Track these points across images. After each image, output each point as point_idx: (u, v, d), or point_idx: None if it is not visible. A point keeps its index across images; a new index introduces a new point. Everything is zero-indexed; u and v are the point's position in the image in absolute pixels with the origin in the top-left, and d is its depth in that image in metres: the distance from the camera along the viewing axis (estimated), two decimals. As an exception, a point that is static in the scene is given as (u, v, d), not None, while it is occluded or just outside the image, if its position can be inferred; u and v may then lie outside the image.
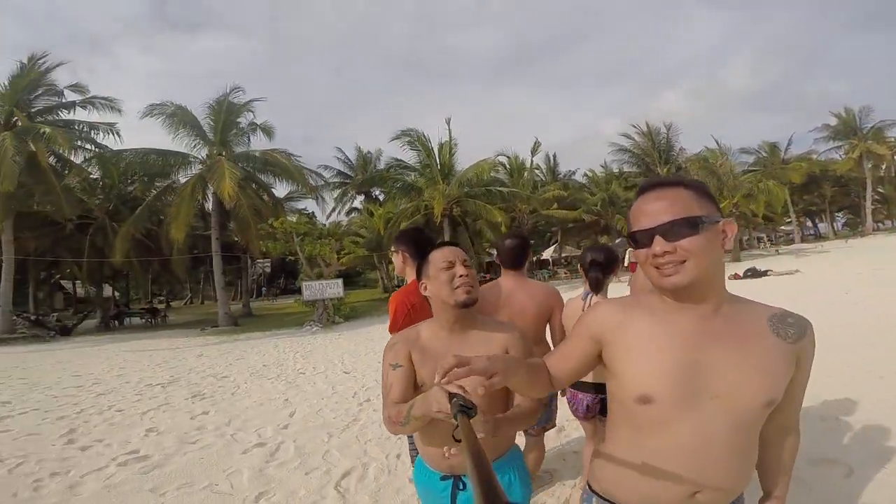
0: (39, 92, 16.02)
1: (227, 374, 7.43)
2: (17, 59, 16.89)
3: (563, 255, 36.97)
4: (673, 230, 0.83)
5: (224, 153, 16.76)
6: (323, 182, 20.89)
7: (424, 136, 20.48)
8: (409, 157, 21.65)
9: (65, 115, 16.51)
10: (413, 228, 2.37)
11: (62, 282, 32.55)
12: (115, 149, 16.45)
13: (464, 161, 25.18)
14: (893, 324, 6.00)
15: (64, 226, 17.45)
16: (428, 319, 1.38)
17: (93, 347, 12.21)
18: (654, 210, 0.86)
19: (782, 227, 44.61)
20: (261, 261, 32.95)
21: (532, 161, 26.82)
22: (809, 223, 53.08)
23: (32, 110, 15.91)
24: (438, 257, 1.33)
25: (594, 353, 0.97)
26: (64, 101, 16.41)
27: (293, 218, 23.67)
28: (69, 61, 16.99)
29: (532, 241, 34.66)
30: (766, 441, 0.96)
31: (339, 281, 14.94)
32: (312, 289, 14.47)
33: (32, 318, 17.57)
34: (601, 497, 1.00)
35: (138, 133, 18.08)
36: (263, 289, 42.30)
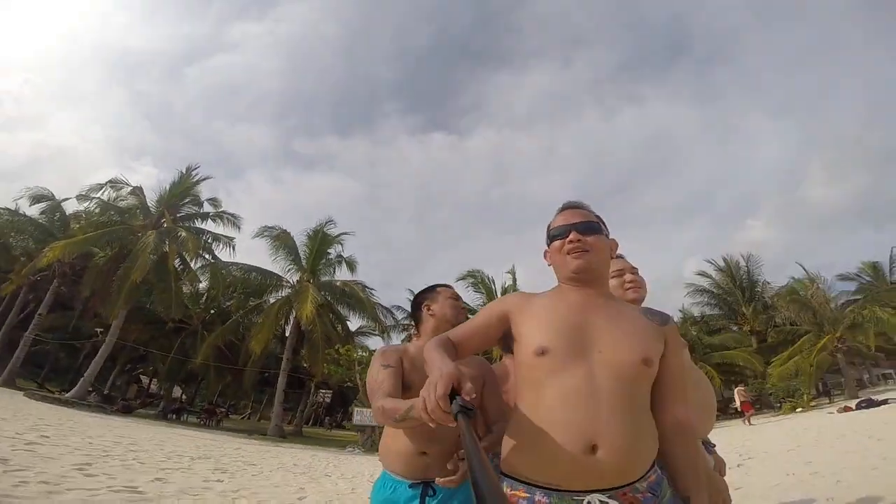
0: (187, 200, 18.87)
1: (256, 464, 7.03)
2: (177, 168, 20.00)
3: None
4: (583, 227, 1.13)
5: (312, 280, 18.22)
6: (393, 322, 21.34)
7: (489, 278, 20.87)
8: (473, 298, 21.84)
9: (198, 223, 19.11)
10: None
11: (141, 376, 34.67)
12: (225, 260, 18.57)
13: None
14: None
15: (165, 324, 19.30)
16: (413, 342, 1.61)
17: (145, 426, 12.26)
18: (571, 216, 1.16)
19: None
20: (323, 391, 32.81)
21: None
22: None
23: (178, 215, 18.63)
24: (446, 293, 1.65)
25: (498, 329, 1.12)
26: (202, 210, 19.14)
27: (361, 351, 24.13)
28: (212, 177, 20.46)
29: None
30: (665, 438, 1.03)
31: None
32: (364, 414, 14.29)
33: (105, 392, 18.51)
34: (509, 477, 1.01)
35: (245, 254, 20.51)
36: (321, 418, 41.16)
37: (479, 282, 21.15)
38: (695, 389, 1.48)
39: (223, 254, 19.06)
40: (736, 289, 26.70)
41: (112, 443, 6.59)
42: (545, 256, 1.20)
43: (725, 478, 1.68)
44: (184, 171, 18.77)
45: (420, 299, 1.63)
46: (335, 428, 36.64)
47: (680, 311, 29.70)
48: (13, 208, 18.44)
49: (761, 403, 24.39)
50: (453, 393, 0.81)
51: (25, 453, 4.25)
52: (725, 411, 25.52)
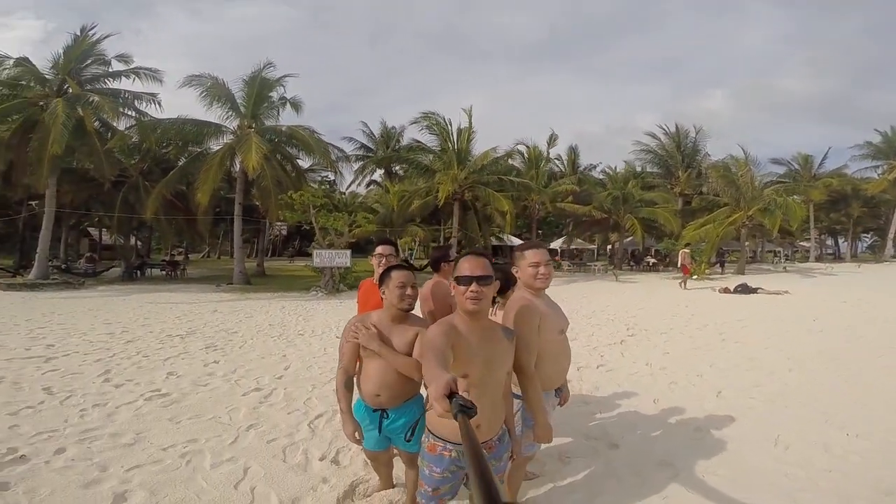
0: (89, 62, 16.95)
1: (237, 331, 8.40)
2: (69, 31, 17.61)
3: (573, 247, 37.36)
4: (482, 280, 1.63)
5: (254, 126, 17.65)
6: (343, 156, 21.70)
7: (445, 120, 21.10)
8: (429, 139, 22.25)
9: (111, 83, 17.53)
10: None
11: (90, 229, 34.40)
12: (156, 117, 17.50)
13: (485, 146, 25.60)
14: (819, 360, 6.06)
15: (99, 183, 18.67)
16: (379, 309, 2.21)
17: (119, 297, 13.43)
18: (473, 266, 1.65)
19: (801, 243, 43.61)
20: (279, 223, 34.24)
21: (548, 153, 27.06)
22: (831, 241, 51.70)
23: (82, 78, 16.90)
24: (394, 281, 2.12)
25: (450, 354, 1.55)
26: (111, 70, 17.36)
27: (317, 185, 24.76)
28: (118, 33, 17.80)
29: (540, 231, 35.12)
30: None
31: (348, 252, 15.60)
32: (322, 256, 15.13)
33: (63, 266, 19.04)
34: (432, 433, 1.74)
35: (177, 97, 18.96)
36: (280, 250, 44.05)
37: (435, 124, 21.19)
38: (554, 363, 2.18)
39: (150, 110, 17.79)
40: (678, 153, 28.37)
41: (107, 335, 7.68)
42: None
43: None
44: (78, 32, 16.23)
45: (380, 281, 2.21)
46: (295, 256, 39.53)
47: (625, 162, 31.59)
48: None
49: (669, 261, 28.27)
50: (452, 393, 0.93)
51: (52, 375, 5.29)
52: (639, 263, 29.38)
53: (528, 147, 26.58)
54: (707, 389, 4.86)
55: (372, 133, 29.39)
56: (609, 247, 38.32)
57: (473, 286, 1.61)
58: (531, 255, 2.14)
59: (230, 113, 17.72)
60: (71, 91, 16.08)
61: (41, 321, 8.95)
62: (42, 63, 16.65)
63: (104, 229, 31.15)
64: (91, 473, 2.87)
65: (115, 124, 17.49)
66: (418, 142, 23.11)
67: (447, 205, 21.92)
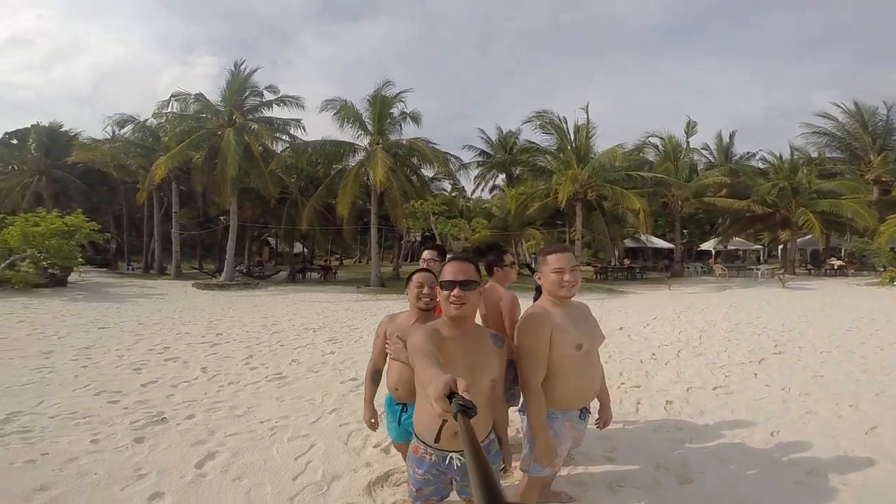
0: (247, 93, 20.62)
1: (359, 327, 9.39)
2: (227, 69, 21.53)
3: (731, 247, 32.43)
4: (464, 284, 1.60)
5: (381, 141, 19.55)
6: (461, 164, 22.61)
7: (559, 118, 20.36)
8: (543, 139, 21.72)
9: (266, 111, 21.11)
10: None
11: (269, 239, 41.69)
12: (305, 139, 20.74)
13: (610, 142, 23.86)
14: None
15: (269, 200, 22.60)
16: (408, 310, 2.30)
17: (280, 296, 16.03)
18: (455, 270, 1.63)
19: None
20: (414, 231, 37.08)
21: (687, 143, 24.02)
22: None
23: (245, 109, 20.62)
24: (416, 279, 2.22)
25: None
26: (263, 100, 20.94)
27: (448, 193, 26.18)
28: (262, 66, 21.44)
29: (685, 231, 31.14)
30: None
31: None
32: None
33: (244, 270, 23.43)
34: (416, 436, 1.75)
35: (319, 119, 22.07)
36: (417, 253, 47.77)
37: (548, 122, 20.71)
38: (568, 382, 1.95)
39: (298, 133, 21.19)
40: (865, 134, 22.67)
41: (261, 327, 9.32)
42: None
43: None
44: (233, 68, 19.92)
45: (406, 283, 2.28)
46: (429, 261, 42.11)
47: (793, 148, 26.42)
48: (109, 135, 21.68)
49: (861, 264, 22.55)
50: (452, 393, 0.92)
51: (212, 358, 6.68)
52: (819, 266, 23.92)
53: (662, 139, 23.95)
54: (856, 424, 3.84)
55: (489, 139, 29.81)
56: (780, 247, 32.19)
57: (456, 291, 1.59)
58: (554, 260, 1.94)
59: (359, 131, 19.91)
60: (237, 121, 19.73)
61: (219, 314, 11.21)
62: (214, 97, 20.78)
63: (278, 239, 37.52)
64: (200, 436, 3.57)
65: (273, 148, 21.02)
66: (532, 143, 22.70)
67: (569, 206, 21.05)
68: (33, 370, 5.54)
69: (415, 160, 20.90)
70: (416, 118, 20.39)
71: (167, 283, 19.66)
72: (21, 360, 6.04)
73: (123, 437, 3.50)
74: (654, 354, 6.73)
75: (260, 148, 20.40)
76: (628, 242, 29.20)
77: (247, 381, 5.32)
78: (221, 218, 25.76)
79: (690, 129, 24.74)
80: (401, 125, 20.38)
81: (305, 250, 36.63)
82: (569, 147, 20.32)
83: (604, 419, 2.30)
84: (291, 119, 20.69)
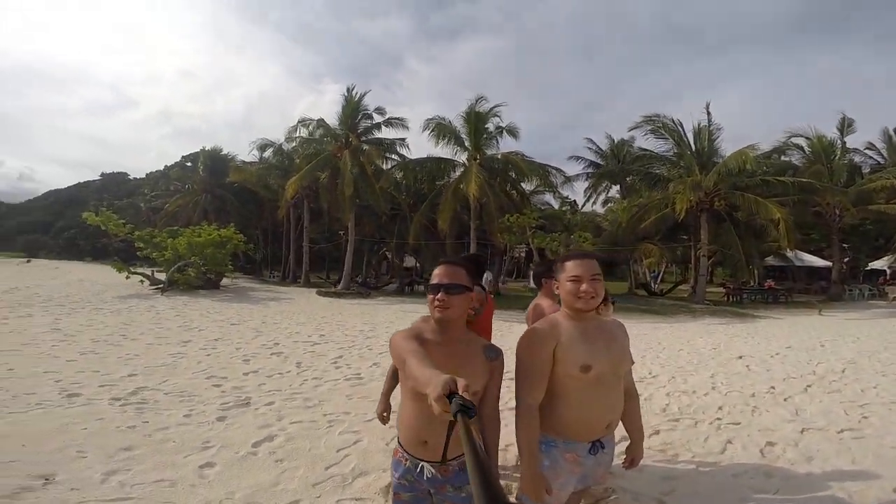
0: (359, 117, 22.60)
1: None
2: (341, 94, 23.59)
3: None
4: (450, 288, 1.55)
5: (478, 157, 19.89)
6: (565, 178, 21.78)
7: (674, 121, 18.45)
8: (657, 145, 19.92)
9: (377, 133, 22.95)
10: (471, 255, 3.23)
11: (386, 252, 44.82)
12: (411, 157, 22.10)
13: (738, 145, 20.85)
14: None
15: (381, 216, 24.37)
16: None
17: (383, 306, 17.07)
18: (442, 274, 1.57)
19: None
20: (519, 246, 36.69)
21: (842, 142, 19.95)
22: None
23: (358, 132, 22.63)
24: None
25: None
26: (373, 122, 22.76)
27: (552, 206, 25.60)
28: (370, 90, 23.27)
29: (846, 245, 25.68)
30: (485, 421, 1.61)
31: None
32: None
33: (359, 281, 25.45)
34: (398, 439, 1.67)
35: (422, 138, 23.33)
36: (522, 270, 46.81)
37: (660, 127, 19.10)
38: (570, 407, 1.71)
39: (404, 152, 22.79)
40: None
41: (359, 332, 10.02)
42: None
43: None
44: (346, 93, 22.11)
45: None
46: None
47: None
48: (255, 158, 25.62)
49: None
50: (452, 393, 0.90)
51: (308, 355, 7.38)
52: None
53: (808, 139, 20.23)
54: None
55: (599, 148, 28.13)
56: None
57: (440, 294, 1.55)
58: (572, 267, 1.71)
59: (456, 148, 20.51)
60: (353, 142, 21.71)
61: (328, 319, 12.33)
62: (334, 121, 23.11)
63: (392, 253, 40.21)
64: (270, 420, 3.96)
65: (383, 167, 22.70)
66: (645, 150, 20.89)
67: (693, 217, 18.89)
68: (171, 355, 6.70)
69: (513, 174, 20.77)
70: (513, 132, 20.42)
71: (297, 290, 22.27)
72: (166, 346, 7.36)
73: (210, 415, 4.05)
74: (772, 388, 5.68)
75: (373, 167, 22.19)
76: (771, 260, 25.07)
77: (329, 378, 5.76)
78: (341, 232, 28.48)
79: (846, 126, 20.51)
80: (497, 140, 20.59)
81: (417, 264, 38.59)
82: (688, 152, 18.31)
83: (630, 458, 1.96)
84: (397, 139, 22.31)
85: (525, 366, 1.70)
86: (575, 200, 32.12)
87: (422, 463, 1.59)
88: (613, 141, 27.50)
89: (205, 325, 9.87)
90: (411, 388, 1.56)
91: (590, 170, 27.65)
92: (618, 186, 28.60)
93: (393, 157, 22.49)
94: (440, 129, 20.50)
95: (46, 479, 2.59)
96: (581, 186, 28.14)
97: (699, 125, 18.46)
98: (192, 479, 2.75)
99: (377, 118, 22.63)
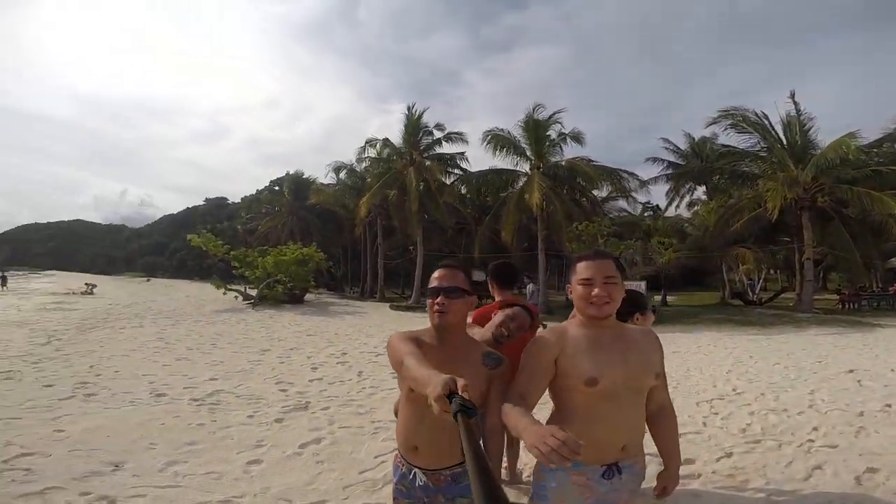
0: (420, 134, 23.22)
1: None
2: (402, 113, 24.83)
3: None
4: (449, 291, 1.49)
5: (540, 165, 19.45)
6: (641, 182, 20.54)
7: (757, 114, 16.61)
8: (738, 140, 18.05)
9: (438, 148, 23.38)
10: (501, 264, 3.01)
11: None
12: (471, 171, 22.21)
13: (836, 135, 17.96)
14: None
15: (446, 231, 24.73)
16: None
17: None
18: (441, 277, 1.53)
19: None
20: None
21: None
22: None
23: (421, 148, 23.25)
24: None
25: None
26: (433, 138, 23.26)
27: (629, 213, 24.33)
28: (429, 108, 23.73)
29: None
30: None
31: (642, 283, 14.76)
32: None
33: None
34: (410, 464, 1.55)
35: (483, 151, 23.32)
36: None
37: (741, 120, 17.44)
38: (574, 423, 1.49)
39: (465, 165, 23.16)
40: None
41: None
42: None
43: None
44: (406, 112, 22.93)
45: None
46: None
47: None
48: (332, 180, 27.47)
49: None
50: (452, 393, 0.88)
51: (371, 365, 7.57)
52: None
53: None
54: None
55: (677, 148, 26.03)
56: None
57: (440, 298, 1.50)
58: (583, 269, 1.50)
59: (518, 158, 20.15)
60: (416, 159, 22.30)
61: (396, 331, 12.69)
62: (397, 140, 23.85)
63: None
64: (321, 424, 4.15)
65: (446, 181, 23.03)
66: (728, 146, 18.91)
67: (793, 216, 16.81)
68: (250, 362, 7.31)
69: (580, 181, 20.00)
70: (577, 138, 19.69)
71: (372, 304, 23.24)
72: (247, 354, 8.03)
73: (271, 417, 4.33)
74: (887, 406, 4.85)
75: (435, 182, 22.63)
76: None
77: (385, 388, 5.90)
78: (410, 248, 29.31)
79: None
80: (561, 147, 19.96)
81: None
82: (778, 146, 16.38)
83: (662, 485, 1.68)
84: (457, 153, 22.61)
85: (525, 368, 1.53)
86: (658, 205, 30.11)
87: (414, 469, 1.54)
88: (693, 139, 25.42)
89: (284, 336, 10.64)
90: (407, 392, 1.53)
91: (669, 171, 25.75)
92: (703, 187, 26.35)
93: (455, 171, 22.79)
94: (497, 141, 20.34)
95: (116, 466, 2.95)
96: (662, 190, 26.29)
97: (787, 116, 16.51)
98: (237, 473, 2.96)
99: (437, 134, 23.31)
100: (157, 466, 2.96)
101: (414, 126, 22.91)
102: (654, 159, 25.93)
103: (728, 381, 6.52)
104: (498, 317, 2.19)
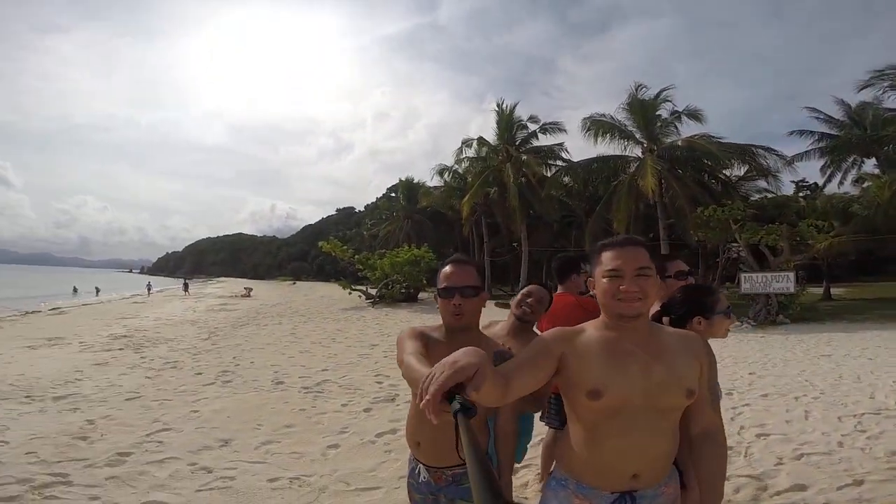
0: (515, 129, 22.63)
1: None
2: (493, 108, 23.72)
3: None
4: (465, 290, 1.41)
5: (654, 148, 17.68)
6: (785, 159, 17.50)
7: None
8: None
9: (535, 142, 22.62)
10: (556, 258, 3.01)
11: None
12: (574, 160, 21.11)
13: None
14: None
15: (552, 225, 23.95)
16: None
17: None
18: (453, 274, 1.43)
19: None
20: (735, 244, 30.87)
21: None
22: None
23: (516, 143, 22.65)
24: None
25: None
26: (528, 132, 22.52)
27: (773, 193, 21.08)
28: (519, 101, 22.92)
29: None
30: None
31: (791, 274, 12.68)
32: (753, 281, 13.20)
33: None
34: (417, 459, 1.55)
35: (587, 141, 21.94)
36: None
37: None
38: (581, 442, 1.29)
39: (565, 156, 22.30)
40: None
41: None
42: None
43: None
44: (497, 108, 22.64)
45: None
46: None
47: None
48: (439, 183, 28.57)
49: None
50: (452, 390, 0.81)
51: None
52: None
53: None
54: None
55: (829, 117, 21.17)
56: None
57: (456, 298, 1.41)
58: (609, 259, 1.22)
59: (626, 142, 18.49)
60: (512, 154, 21.82)
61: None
62: (492, 137, 23.54)
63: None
64: (402, 415, 4.40)
65: (546, 174, 22.14)
66: (892, 109, 14.79)
67: None
68: (359, 355, 8.05)
69: (707, 161, 17.65)
70: (695, 115, 17.52)
71: (480, 301, 23.60)
72: (359, 348, 8.85)
73: (361, 406, 4.77)
74: None
75: (535, 176, 22.03)
76: None
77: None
78: (514, 244, 28.99)
79: None
80: (676, 126, 17.90)
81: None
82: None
83: None
84: (555, 144, 21.64)
85: (523, 360, 1.25)
86: (816, 183, 25.51)
87: (419, 465, 1.53)
88: (850, 107, 20.64)
89: (394, 332, 11.43)
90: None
91: (822, 144, 21.34)
92: (873, 160, 21.30)
93: (557, 163, 21.90)
94: (599, 127, 19.03)
95: (224, 443, 3.54)
96: (815, 165, 22.05)
97: None
98: (315, 455, 3.34)
99: (532, 127, 22.66)
100: (255, 444, 3.49)
101: (506, 121, 22.70)
102: (802, 132, 21.80)
103: (893, 391, 5.31)
104: (517, 297, 2.23)
